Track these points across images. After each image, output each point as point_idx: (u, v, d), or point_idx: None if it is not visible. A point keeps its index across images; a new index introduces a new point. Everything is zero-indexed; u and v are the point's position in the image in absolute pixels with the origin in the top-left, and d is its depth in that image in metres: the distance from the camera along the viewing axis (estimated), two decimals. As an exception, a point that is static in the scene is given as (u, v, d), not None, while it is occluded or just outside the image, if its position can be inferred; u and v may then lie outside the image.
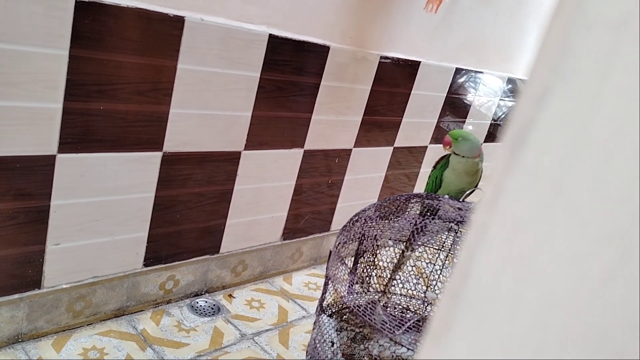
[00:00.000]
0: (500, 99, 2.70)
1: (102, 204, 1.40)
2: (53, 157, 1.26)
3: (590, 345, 0.18)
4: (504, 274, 0.20)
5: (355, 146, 2.03)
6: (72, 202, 1.34)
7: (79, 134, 1.28)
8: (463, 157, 1.40)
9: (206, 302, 1.74)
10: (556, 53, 0.18)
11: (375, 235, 1.24)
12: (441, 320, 0.21)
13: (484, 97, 2.58)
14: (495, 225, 0.20)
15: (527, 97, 0.19)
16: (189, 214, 1.61)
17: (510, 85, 2.71)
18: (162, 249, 1.59)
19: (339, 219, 2.15)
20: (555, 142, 0.18)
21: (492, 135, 2.81)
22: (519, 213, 0.19)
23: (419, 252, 1.43)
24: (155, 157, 1.45)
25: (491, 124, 2.75)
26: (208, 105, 1.49)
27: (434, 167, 1.53)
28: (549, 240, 0.19)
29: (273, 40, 1.55)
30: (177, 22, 1.34)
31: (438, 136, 2.39)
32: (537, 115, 0.19)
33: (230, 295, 1.81)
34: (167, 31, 1.33)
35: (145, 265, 1.58)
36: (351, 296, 1.28)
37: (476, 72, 2.40)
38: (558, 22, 0.18)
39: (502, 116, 2.81)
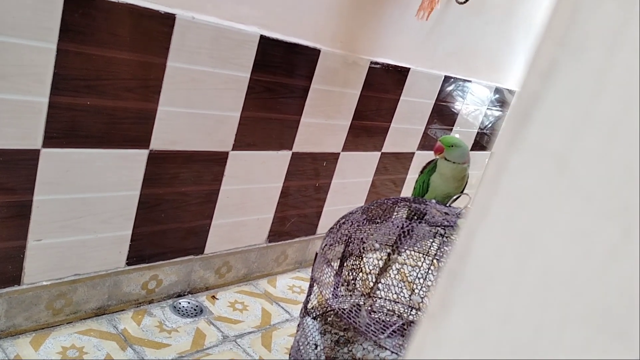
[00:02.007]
0: (487, 108, 2.72)
1: (86, 201, 1.38)
2: (37, 152, 1.24)
3: (592, 324, 0.18)
4: (505, 252, 0.19)
5: (343, 150, 2.03)
6: (56, 198, 1.32)
7: (64, 128, 1.26)
8: (453, 162, 1.41)
9: (189, 302, 1.72)
10: (564, 27, 0.18)
11: (362, 238, 1.24)
12: (440, 300, 0.21)
13: (472, 106, 2.60)
14: (498, 203, 0.20)
15: (533, 71, 0.19)
16: (174, 214, 1.60)
17: (497, 95, 2.73)
18: (145, 248, 1.58)
19: (325, 223, 2.14)
20: (560, 117, 0.18)
21: (478, 143, 2.83)
22: (522, 189, 0.19)
23: (405, 256, 1.43)
24: (142, 154, 1.43)
25: (478, 132, 2.77)
26: (197, 104, 1.48)
27: (422, 171, 1.53)
28: (552, 217, 0.19)
29: (264, 41, 1.55)
30: (168, 20, 1.33)
31: (425, 143, 2.40)
32: (543, 90, 0.18)
33: (213, 297, 1.79)
34: (158, 28, 1.32)
35: (128, 264, 1.56)
36: (336, 299, 1.27)
37: (464, 80, 2.42)
38: (566, -4, 0.18)
39: (489, 125, 2.83)
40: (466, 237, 0.20)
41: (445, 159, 1.40)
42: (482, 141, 2.86)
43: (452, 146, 1.39)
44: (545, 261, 0.19)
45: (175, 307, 1.68)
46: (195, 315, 1.67)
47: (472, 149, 2.77)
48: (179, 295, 1.74)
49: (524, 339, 0.19)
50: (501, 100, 2.79)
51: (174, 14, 1.34)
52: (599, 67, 0.17)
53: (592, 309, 0.18)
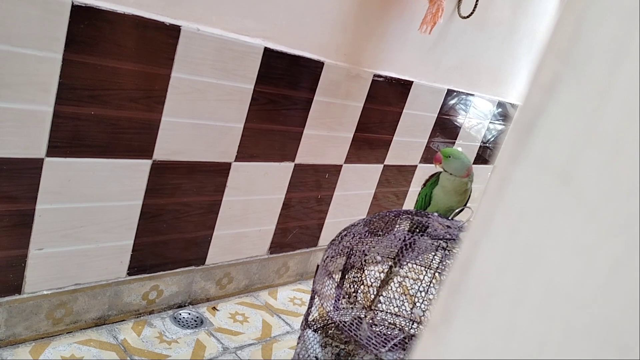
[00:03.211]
0: (490, 122, 2.73)
1: (88, 210, 1.38)
2: (41, 161, 1.24)
3: (596, 339, 0.18)
4: (508, 266, 0.19)
5: (345, 162, 2.03)
6: (58, 207, 1.32)
7: (68, 138, 1.26)
8: (452, 175, 1.41)
9: (189, 314, 1.72)
10: (567, 40, 0.18)
11: (364, 251, 1.24)
12: (441, 314, 0.21)
13: (474, 120, 2.60)
14: (501, 216, 0.20)
15: (536, 84, 0.19)
16: (175, 224, 1.59)
17: (500, 109, 2.73)
18: (147, 258, 1.57)
19: (327, 235, 2.14)
20: (563, 131, 0.18)
21: (481, 157, 2.83)
22: (525, 203, 0.19)
23: (407, 270, 1.43)
24: (145, 164, 1.44)
25: (480, 146, 2.77)
26: (200, 115, 1.49)
27: (424, 184, 1.53)
28: (556, 230, 0.19)
29: (268, 53, 1.56)
30: (173, 31, 1.34)
31: (428, 156, 2.40)
32: (546, 103, 0.18)
33: (214, 308, 1.79)
34: (163, 39, 1.33)
35: (129, 274, 1.55)
36: (337, 311, 1.27)
37: (467, 94, 2.43)
38: (570, 9, 0.18)
39: (492, 139, 2.84)
40: (468, 249, 0.20)
41: (444, 170, 1.40)
42: (484, 155, 2.86)
43: (450, 157, 1.39)
44: (548, 275, 0.19)
45: (175, 317, 1.68)
46: (196, 327, 1.66)
47: (474, 163, 2.77)
48: (180, 306, 1.73)
49: (528, 353, 0.19)
50: (504, 114, 2.80)
51: (179, 26, 1.34)
52: (602, 80, 0.18)
53: (596, 323, 0.18)
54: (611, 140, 0.18)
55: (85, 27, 1.20)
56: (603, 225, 0.18)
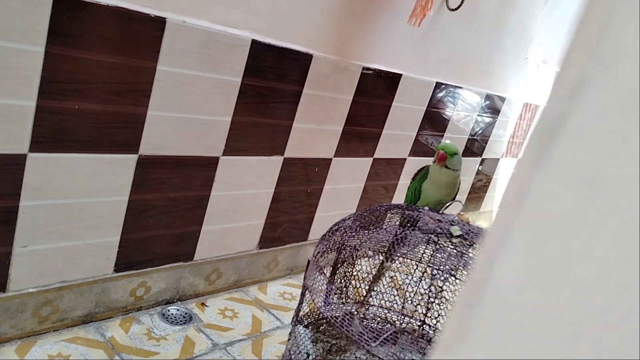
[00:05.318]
0: (478, 115, 2.72)
1: (73, 206, 1.35)
2: (24, 157, 1.21)
3: (627, 361, 0.16)
4: (529, 282, 0.18)
5: (335, 156, 2.02)
6: (42, 204, 1.29)
7: (51, 133, 1.24)
8: (447, 168, 1.40)
9: (178, 310, 1.70)
10: (595, 39, 0.17)
11: (355, 245, 1.22)
12: (454, 330, 0.19)
13: (463, 112, 2.60)
14: (520, 228, 0.18)
15: (560, 87, 0.17)
16: (163, 220, 1.57)
17: (488, 102, 2.73)
18: (134, 254, 1.55)
19: (317, 229, 2.12)
20: (591, 136, 0.17)
21: (469, 149, 2.83)
22: (548, 214, 0.18)
23: (398, 264, 1.42)
24: (131, 159, 1.41)
25: (469, 138, 2.77)
26: (187, 109, 1.46)
27: (413, 178, 1.52)
28: (583, 244, 0.17)
29: (256, 45, 1.53)
30: (158, 23, 1.31)
31: (417, 149, 2.40)
32: (572, 107, 0.17)
33: (203, 304, 1.77)
34: (148, 32, 1.30)
35: (116, 270, 1.53)
36: (328, 307, 1.26)
37: (456, 87, 2.42)
38: (599, 5, 0.17)
39: (480, 131, 2.84)
40: (484, 264, 0.19)
41: (447, 167, 1.39)
42: (472, 147, 2.86)
43: (455, 154, 1.39)
44: (575, 292, 0.17)
45: (164, 314, 1.66)
46: (185, 323, 1.64)
47: (463, 155, 2.76)
48: (168, 303, 1.71)
49: (550, 376, 0.18)
50: (492, 106, 2.80)
51: (165, 18, 1.32)
52: (634, 82, 0.16)
53: (629, 346, 0.16)
54: (644, 147, 0.16)
55: (68, 20, 1.16)
56: (635, 238, 0.16)
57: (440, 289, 1.31)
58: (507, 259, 0.18)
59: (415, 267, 1.41)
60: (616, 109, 0.17)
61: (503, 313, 0.19)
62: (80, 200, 1.36)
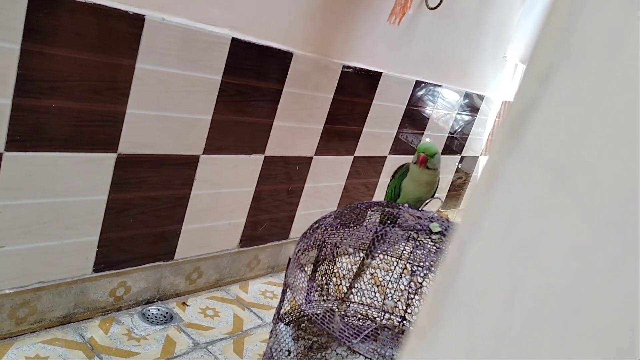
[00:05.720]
0: (457, 113, 2.75)
1: (51, 206, 1.33)
2: (0, 156, 1.20)
3: (593, 342, 0.17)
4: (499, 267, 0.19)
5: (315, 154, 2.02)
6: (19, 203, 1.27)
7: (28, 131, 1.22)
8: (429, 168, 1.40)
9: (158, 309, 1.69)
10: (562, 30, 0.17)
11: (336, 243, 1.23)
12: (428, 316, 0.20)
13: (442, 111, 2.62)
14: (491, 215, 0.19)
15: (529, 75, 0.18)
16: (142, 219, 1.56)
17: (467, 100, 2.76)
18: (113, 254, 1.54)
19: (298, 227, 2.13)
20: (559, 124, 0.17)
21: (448, 147, 2.86)
22: (517, 201, 0.18)
23: (378, 261, 1.43)
24: (109, 158, 1.40)
25: (448, 136, 2.80)
26: (166, 107, 1.45)
27: (392, 176, 1.53)
28: (550, 229, 0.18)
29: (236, 43, 1.53)
30: (137, 20, 1.30)
31: (397, 147, 2.41)
32: (540, 96, 0.17)
33: (183, 303, 1.76)
34: (126, 29, 1.29)
35: (95, 270, 1.51)
36: (309, 304, 1.26)
37: (435, 85, 2.44)
38: (565, -3, 0.17)
39: (459, 129, 2.86)
40: (456, 250, 0.19)
41: (428, 167, 1.39)
42: (452, 145, 2.89)
43: (435, 155, 1.40)
44: (543, 276, 0.18)
45: (144, 314, 1.64)
46: (165, 323, 1.63)
47: (442, 153, 2.79)
48: (148, 302, 1.70)
49: (521, 357, 0.18)
50: (471, 105, 2.82)
51: (143, 15, 1.31)
52: (600, 71, 0.17)
53: (593, 327, 0.17)
54: (609, 134, 0.17)
55: (44, 16, 1.15)
56: (600, 224, 0.17)
57: (420, 285, 1.32)
58: (479, 244, 0.19)
59: (395, 263, 1.42)
60: (582, 97, 0.17)
61: (474, 297, 0.19)
62: (58, 199, 1.34)
